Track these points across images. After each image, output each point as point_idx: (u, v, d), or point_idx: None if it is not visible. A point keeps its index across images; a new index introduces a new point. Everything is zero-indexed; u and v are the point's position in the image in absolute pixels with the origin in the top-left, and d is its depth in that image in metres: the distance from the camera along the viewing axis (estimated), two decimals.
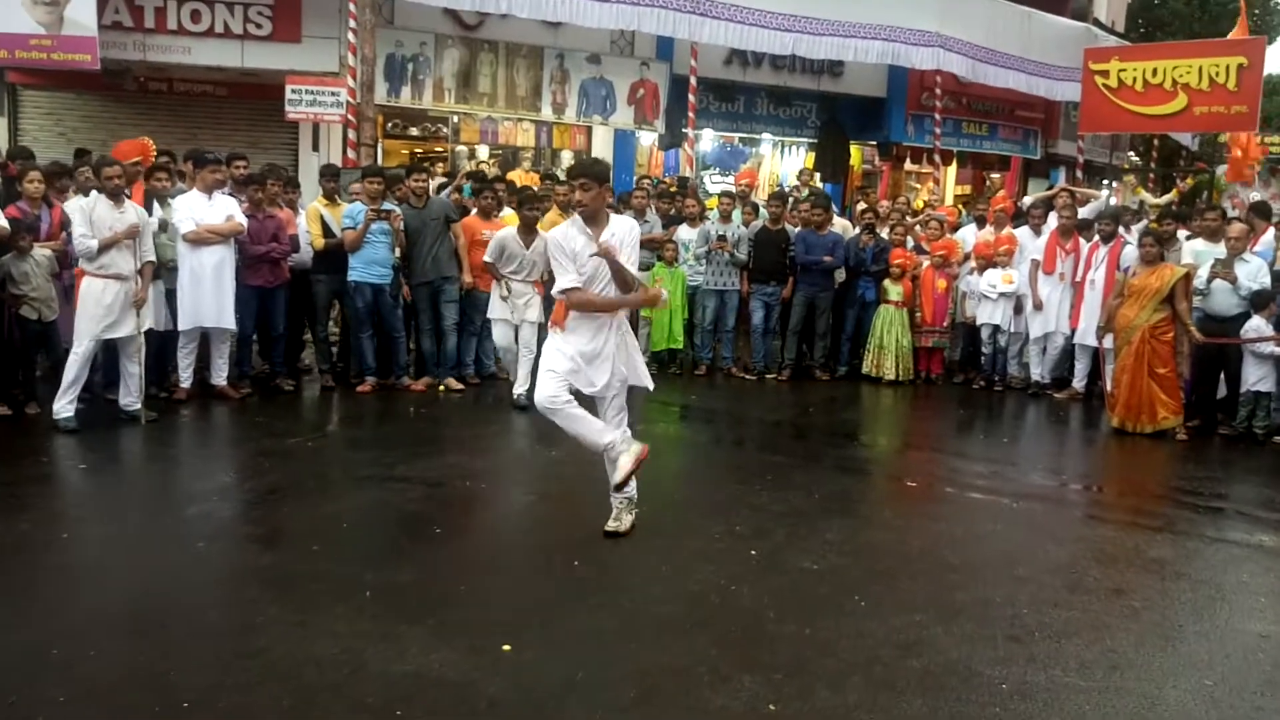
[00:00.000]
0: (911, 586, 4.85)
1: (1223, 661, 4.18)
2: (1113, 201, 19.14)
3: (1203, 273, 8.64)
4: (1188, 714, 3.72)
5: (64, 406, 6.94)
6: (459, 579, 4.57)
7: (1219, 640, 4.40)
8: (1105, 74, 12.53)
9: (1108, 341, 8.92)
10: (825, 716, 3.53)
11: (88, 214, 6.92)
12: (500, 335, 8.47)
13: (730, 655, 3.96)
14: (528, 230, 8.40)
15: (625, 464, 5.07)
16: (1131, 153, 21.82)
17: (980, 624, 4.40)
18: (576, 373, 5.12)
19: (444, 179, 11.26)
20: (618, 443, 5.12)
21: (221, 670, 3.62)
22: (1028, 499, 6.53)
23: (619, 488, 5.19)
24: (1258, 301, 8.31)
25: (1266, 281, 8.45)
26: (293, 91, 11.19)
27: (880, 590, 4.77)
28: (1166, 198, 13.03)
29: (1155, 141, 20.24)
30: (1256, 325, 8.32)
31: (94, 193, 7.06)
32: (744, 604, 4.52)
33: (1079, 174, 16.41)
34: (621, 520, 5.28)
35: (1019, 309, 10.08)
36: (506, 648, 3.90)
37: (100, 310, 6.99)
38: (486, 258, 8.31)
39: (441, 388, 8.74)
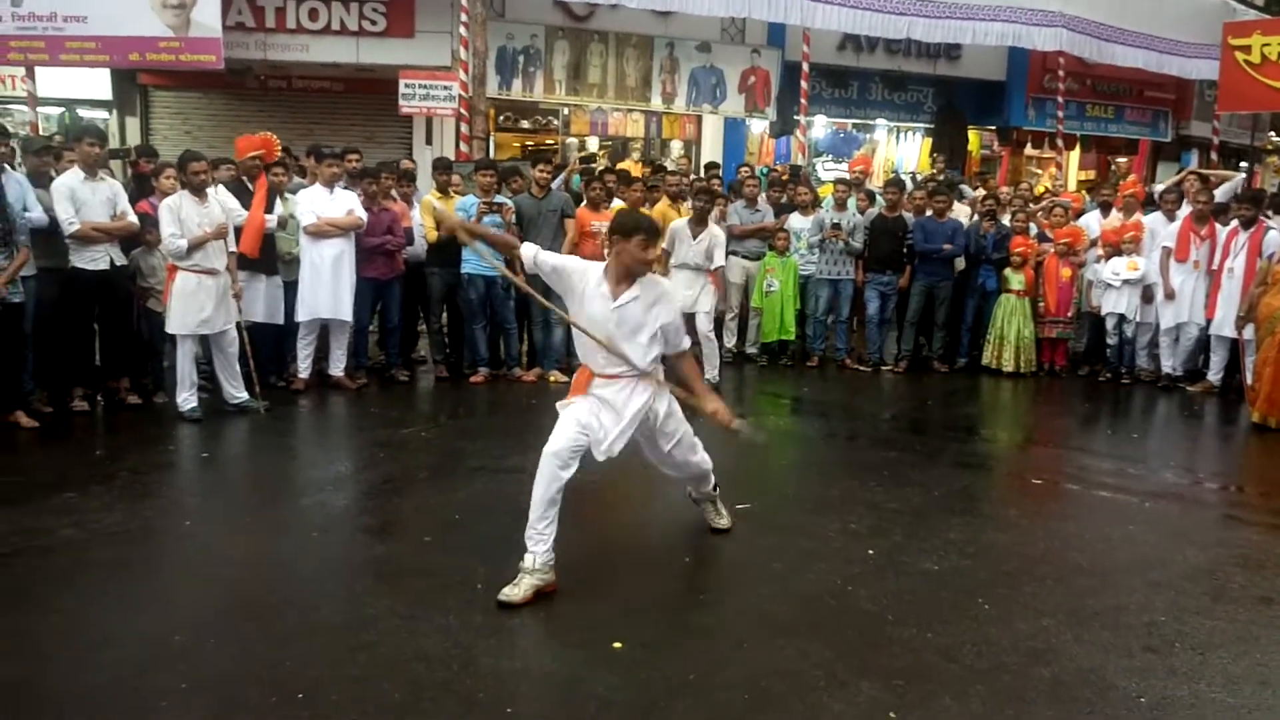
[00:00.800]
0: (1038, 590, 4.62)
1: None
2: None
3: None
4: None
5: (187, 398, 7.15)
6: (569, 572, 4.50)
7: None
8: (1247, 49, 11.83)
9: (1248, 332, 8.44)
10: None
11: (176, 212, 6.96)
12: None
13: (847, 659, 3.81)
14: (699, 221, 8.72)
15: (523, 590, 4.20)
16: (1273, 132, 20.64)
17: (1114, 632, 4.16)
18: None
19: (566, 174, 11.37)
20: (539, 555, 4.30)
21: (333, 663, 3.64)
22: (1161, 498, 6.18)
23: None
24: None
25: None
26: (406, 86, 11.34)
27: (1005, 593, 4.55)
28: None
29: None
30: None
31: (180, 190, 7.11)
32: (861, 606, 4.35)
33: (1213, 156, 15.60)
34: (720, 517, 5.12)
35: (1148, 298, 9.59)
36: (617, 645, 3.83)
37: (195, 305, 7.08)
38: (664, 246, 8.44)
39: (552, 378, 8.75)
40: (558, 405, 4.57)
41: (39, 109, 12.08)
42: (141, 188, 8.26)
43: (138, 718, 3.33)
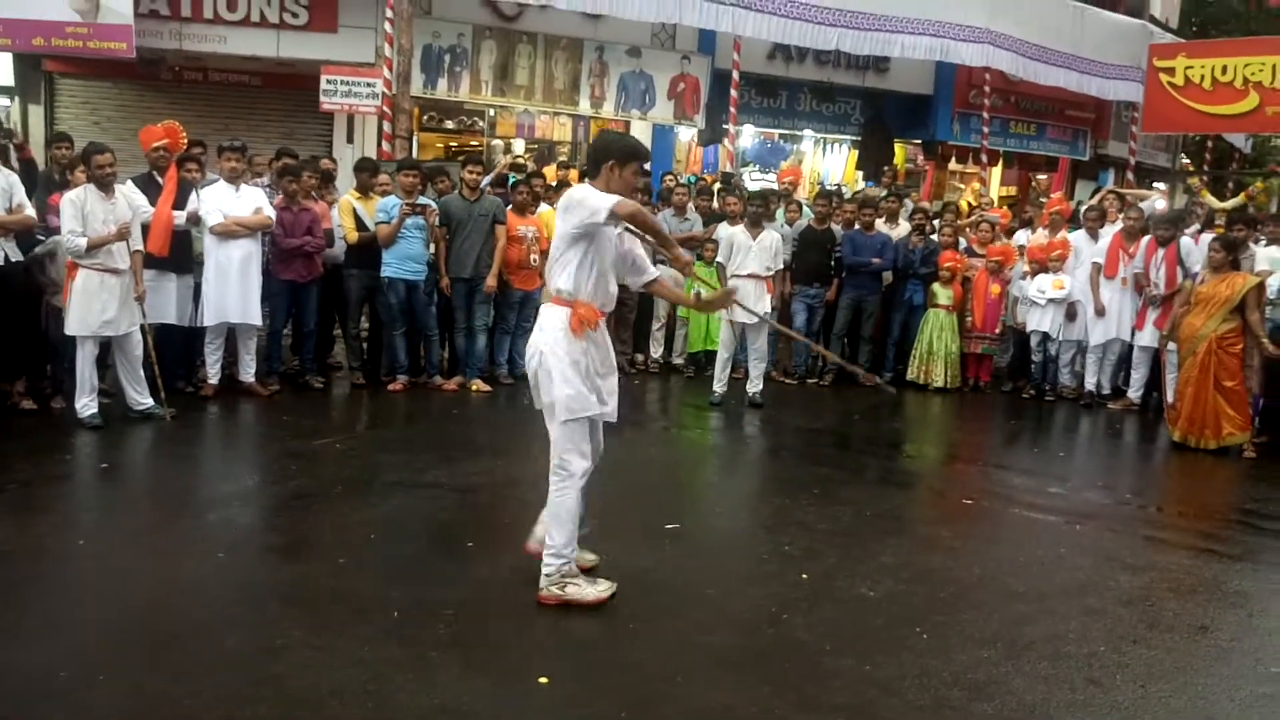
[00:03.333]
0: (976, 618, 4.52)
1: None
2: (1159, 204, 18.67)
3: (1275, 281, 8.23)
4: None
5: (86, 404, 6.73)
6: (494, 602, 4.28)
7: None
8: (1171, 71, 12.06)
9: (1171, 352, 8.53)
10: None
11: (79, 207, 6.56)
12: (725, 333, 8.80)
13: (785, 694, 3.65)
14: (753, 224, 8.73)
15: (575, 593, 4.24)
16: (1183, 154, 21.21)
17: (1054, 663, 4.06)
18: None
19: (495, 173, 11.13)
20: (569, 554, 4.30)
21: (238, 700, 3.35)
22: (1089, 519, 6.15)
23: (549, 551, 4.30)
24: None
25: None
26: (328, 82, 10.97)
27: (943, 621, 4.43)
28: (1234, 201, 12.55)
29: (1209, 143, 19.64)
30: None
31: (84, 184, 6.72)
32: (797, 635, 4.19)
33: (1129, 175, 15.92)
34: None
35: (1072, 316, 9.68)
36: (543, 680, 3.62)
37: (96, 305, 6.69)
38: (719, 259, 8.45)
39: (474, 387, 8.48)
40: (561, 415, 4.22)
41: None
42: (34, 179, 7.74)
43: None
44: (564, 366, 4.19)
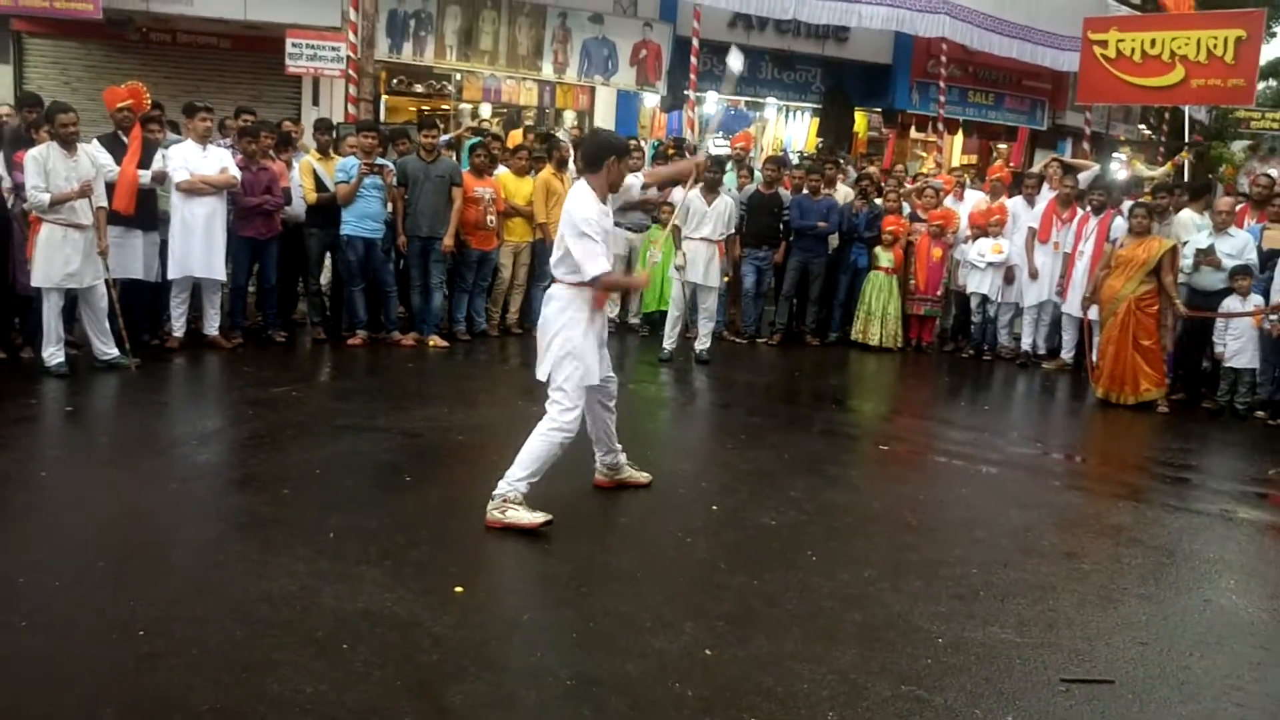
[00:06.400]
0: (866, 545, 4.97)
1: (1160, 623, 4.28)
2: (1122, 175, 19.08)
3: (1187, 251, 8.66)
4: (1114, 669, 3.82)
5: (53, 353, 7.05)
6: (422, 525, 4.69)
7: (1160, 604, 4.50)
8: (1104, 44, 12.41)
9: (1093, 313, 8.96)
10: (759, 663, 3.64)
11: (42, 164, 6.84)
12: (676, 293, 9.23)
13: (676, 603, 4.08)
14: (710, 189, 9.04)
15: (514, 517, 4.68)
16: (1142, 125, 21.63)
17: (928, 582, 4.51)
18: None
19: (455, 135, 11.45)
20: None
21: (178, 603, 3.76)
22: (1000, 465, 6.61)
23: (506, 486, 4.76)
24: (1234, 276, 8.34)
25: (1252, 257, 8.47)
26: (293, 45, 11.23)
27: (834, 547, 4.88)
28: (1161, 170, 12.97)
29: (1166, 114, 20.04)
30: (1230, 304, 8.36)
31: (48, 142, 6.99)
32: (698, 556, 4.64)
33: (1086, 146, 16.30)
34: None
35: (1010, 279, 10.11)
36: (459, 590, 4.03)
37: (60, 258, 6.98)
38: (675, 221, 8.72)
39: (431, 342, 8.85)
40: (573, 392, 4.83)
41: None
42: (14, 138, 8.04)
43: None
44: (581, 344, 4.79)
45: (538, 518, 4.67)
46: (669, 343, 9.14)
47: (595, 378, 4.89)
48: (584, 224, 4.67)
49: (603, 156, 4.84)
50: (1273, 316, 8.04)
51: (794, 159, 13.12)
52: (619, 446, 5.35)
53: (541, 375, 4.87)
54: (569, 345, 4.78)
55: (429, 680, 3.36)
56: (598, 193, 4.82)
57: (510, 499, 4.69)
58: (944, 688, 3.59)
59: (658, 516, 5.11)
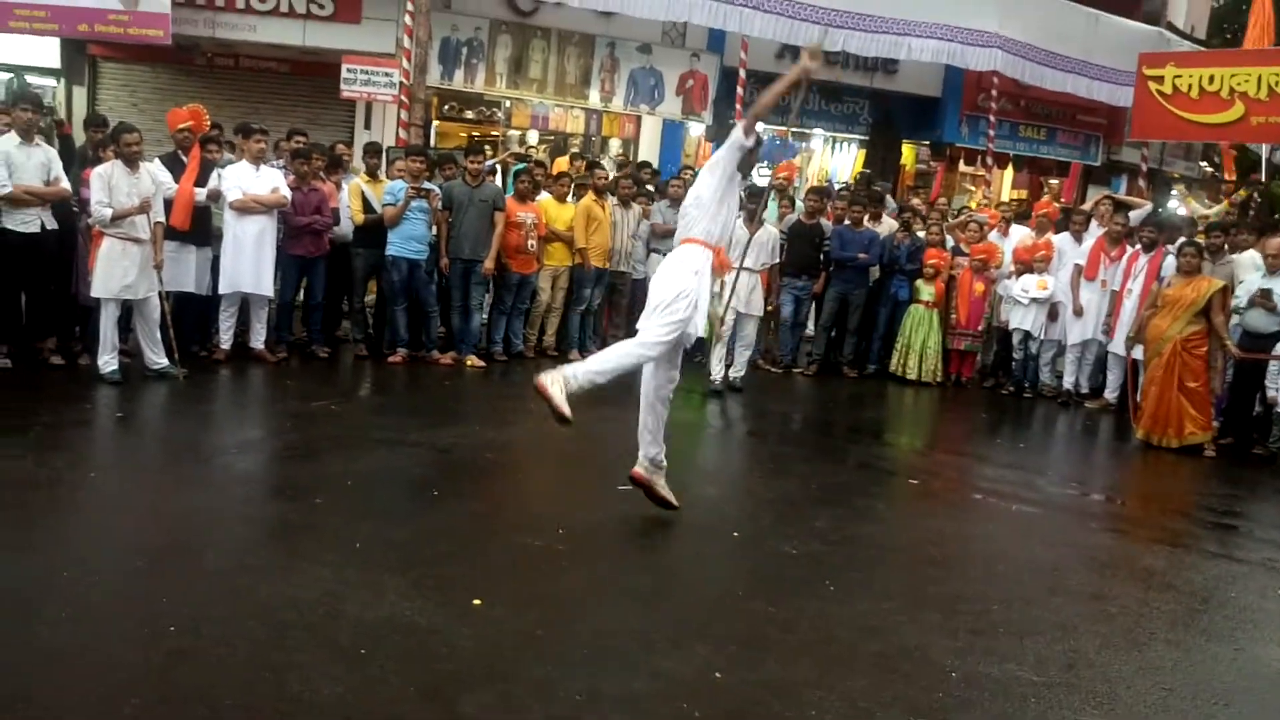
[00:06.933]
0: (886, 576, 4.97)
1: (1187, 670, 4.19)
2: (1182, 212, 18.78)
3: (1241, 291, 8.52)
4: (1135, 714, 3.77)
5: (107, 361, 7.30)
6: (447, 538, 4.79)
7: (1189, 650, 4.40)
8: (1160, 79, 12.28)
9: (1137, 352, 8.87)
10: (769, 687, 3.67)
11: (106, 180, 7.14)
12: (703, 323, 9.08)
13: (689, 625, 4.12)
14: (750, 220, 8.81)
15: (556, 394, 4.81)
16: (1204, 162, 21.30)
17: (946, 615, 4.49)
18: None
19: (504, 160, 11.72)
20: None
21: (207, 603, 3.89)
22: (1032, 504, 6.54)
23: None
24: None
25: None
26: (348, 70, 11.52)
27: (854, 577, 4.89)
28: (1217, 209, 12.80)
29: (1234, 152, 19.71)
30: None
31: (113, 160, 7.30)
32: (715, 580, 4.69)
33: (1142, 183, 16.10)
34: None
35: (1053, 316, 10.04)
36: (477, 602, 4.11)
37: (118, 270, 7.24)
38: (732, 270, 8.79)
39: (469, 362, 9.00)
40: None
41: None
42: (71, 154, 8.36)
43: (16, 640, 3.55)
44: (696, 293, 5.03)
45: (566, 409, 4.78)
46: (718, 372, 9.09)
47: (698, 330, 5.13)
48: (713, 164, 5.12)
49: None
50: None
51: (837, 187, 13.14)
52: (663, 444, 5.39)
53: (647, 314, 5.07)
54: (685, 287, 5.00)
55: (443, 687, 3.44)
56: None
57: (567, 378, 4.84)
58: None
59: (678, 539, 5.16)
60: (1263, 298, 8.33)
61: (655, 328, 5.01)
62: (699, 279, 5.05)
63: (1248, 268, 8.95)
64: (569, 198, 9.78)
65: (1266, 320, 8.36)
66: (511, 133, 15.00)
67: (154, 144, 9.72)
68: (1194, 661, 4.31)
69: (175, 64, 13.50)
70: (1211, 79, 11.82)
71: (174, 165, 8.06)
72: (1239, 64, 11.92)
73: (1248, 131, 12.18)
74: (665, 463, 5.38)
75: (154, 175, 7.60)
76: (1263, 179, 13.31)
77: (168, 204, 7.70)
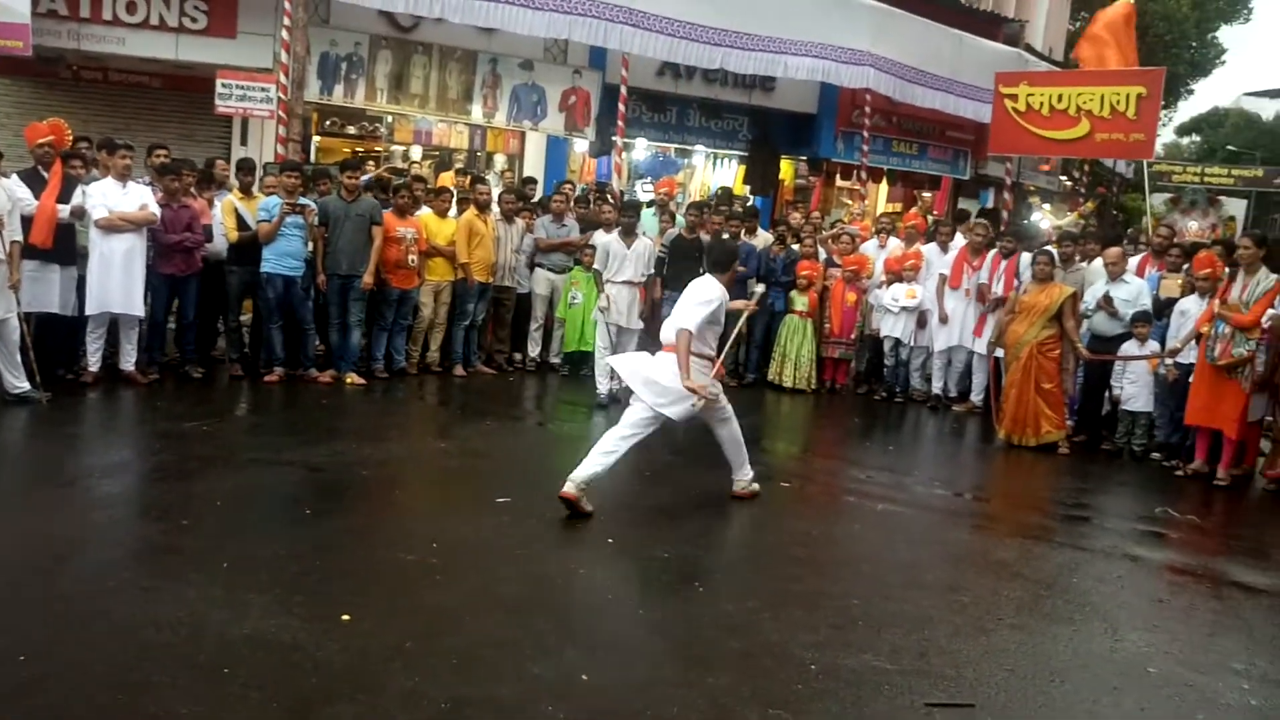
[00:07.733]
0: (753, 577, 5.15)
1: (1028, 651, 4.48)
2: (1044, 225, 19.68)
3: (1089, 296, 9.05)
4: (978, 694, 4.01)
5: None
6: (316, 556, 4.78)
7: (1031, 633, 4.70)
8: (1014, 97, 12.91)
9: (999, 355, 9.29)
10: (634, 687, 3.79)
11: None
12: (601, 336, 9.38)
13: (559, 631, 4.21)
14: (627, 233, 9.41)
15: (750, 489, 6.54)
16: (1063, 176, 22.36)
17: (809, 612, 4.68)
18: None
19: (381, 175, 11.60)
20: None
21: (65, 627, 3.83)
22: (899, 504, 6.80)
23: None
24: (1134, 323, 8.71)
25: (1146, 304, 8.86)
26: (223, 85, 11.29)
27: (721, 578, 5.06)
28: (1068, 219, 13.49)
29: (1086, 166, 20.75)
30: (1129, 349, 8.73)
31: None
32: (588, 587, 4.79)
33: (1006, 195, 16.80)
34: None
35: (922, 323, 10.43)
36: (346, 617, 4.13)
37: None
38: (596, 266, 9.24)
39: (349, 380, 8.92)
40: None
41: None
42: None
43: None
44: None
45: (754, 487, 6.46)
46: (603, 386, 9.20)
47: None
48: (707, 303, 6.06)
49: (730, 262, 6.50)
50: (1168, 361, 8.40)
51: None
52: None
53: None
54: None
55: (306, 702, 3.46)
56: (722, 285, 6.20)
57: (748, 480, 6.48)
58: (810, 712, 3.76)
59: (552, 550, 5.24)
60: (1106, 303, 8.87)
61: (718, 407, 6.43)
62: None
63: (1099, 275, 9.49)
64: (450, 213, 9.79)
65: (1111, 324, 8.91)
66: (395, 148, 14.91)
67: (16, 161, 9.39)
68: (1035, 643, 4.59)
69: (38, 77, 13.03)
70: (1060, 98, 12.49)
71: (34, 181, 7.79)
72: (1084, 84, 12.62)
73: (1093, 147, 12.92)
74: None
75: (10, 191, 7.36)
76: (1105, 192, 14.07)
77: (27, 221, 7.46)
